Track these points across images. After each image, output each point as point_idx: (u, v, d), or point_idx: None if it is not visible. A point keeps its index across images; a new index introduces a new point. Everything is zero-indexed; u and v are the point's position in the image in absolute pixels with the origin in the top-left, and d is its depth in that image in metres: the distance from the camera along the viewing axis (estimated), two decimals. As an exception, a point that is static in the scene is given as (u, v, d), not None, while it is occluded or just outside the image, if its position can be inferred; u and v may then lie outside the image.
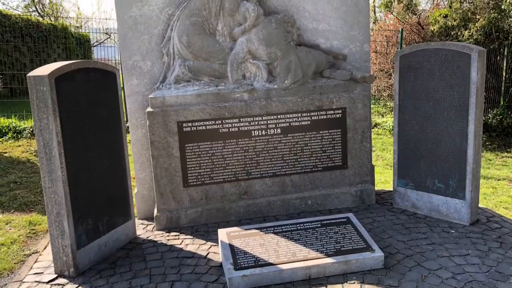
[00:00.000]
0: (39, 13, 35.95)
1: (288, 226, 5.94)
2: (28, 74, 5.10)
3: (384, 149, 13.01)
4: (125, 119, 6.51)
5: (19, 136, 13.26)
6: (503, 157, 12.35)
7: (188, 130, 6.47)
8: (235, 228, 5.94)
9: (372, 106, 16.19)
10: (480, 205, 6.95)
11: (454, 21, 16.38)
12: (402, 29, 17.47)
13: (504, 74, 15.19)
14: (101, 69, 5.68)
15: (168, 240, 6.27)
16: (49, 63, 5.96)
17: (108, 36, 25.49)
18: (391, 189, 7.62)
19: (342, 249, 5.37)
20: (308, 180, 7.00)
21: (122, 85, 6.58)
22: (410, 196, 6.87)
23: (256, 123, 6.65)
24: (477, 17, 15.85)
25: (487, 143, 13.56)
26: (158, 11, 6.79)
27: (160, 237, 6.38)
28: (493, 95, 15.45)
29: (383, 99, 19.11)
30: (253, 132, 6.67)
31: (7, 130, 13.54)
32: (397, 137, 6.84)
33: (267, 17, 6.81)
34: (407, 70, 6.60)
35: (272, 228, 5.90)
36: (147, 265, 5.58)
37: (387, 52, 19.63)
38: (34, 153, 11.70)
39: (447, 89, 6.25)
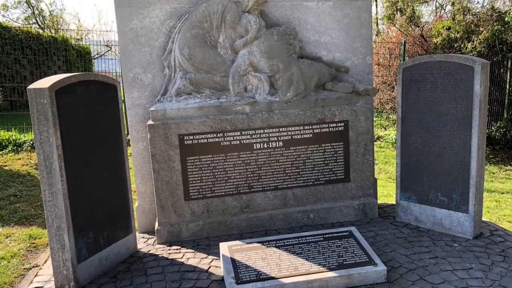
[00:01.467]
0: (39, 25, 36.05)
1: (290, 240, 5.91)
2: (28, 87, 5.07)
3: (386, 162, 12.98)
4: (126, 132, 6.49)
5: (19, 149, 13.24)
6: (506, 170, 12.32)
7: (189, 143, 6.44)
8: (237, 242, 5.90)
9: (374, 119, 16.17)
10: (483, 219, 6.92)
11: (457, 33, 16.39)
12: (405, 41, 17.49)
13: (507, 86, 15.17)
14: (101, 81, 5.65)
15: (169, 254, 6.23)
16: (49, 75, 5.94)
17: (109, 49, 25.54)
18: (394, 202, 7.59)
19: (344, 263, 5.34)
20: (310, 194, 6.96)
21: (123, 98, 6.56)
22: (413, 209, 6.83)
23: (258, 136, 6.62)
24: (481, 29, 15.86)
25: (491, 156, 13.53)
26: (159, 23, 6.78)
27: (161, 250, 6.35)
28: (497, 107, 15.43)
29: (386, 112, 19.09)
30: (255, 145, 6.64)
31: (7, 143, 13.52)
32: (400, 150, 6.81)
33: (269, 29, 6.79)
34: (410, 83, 6.58)
35: (274, 242, 5.86)
36: (148, 279, 5.54)
37: (390, 64, 19.63)
38: (34, 166, 11.68)
39: (450, 102, 6.23)
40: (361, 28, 7.35)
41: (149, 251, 6.36)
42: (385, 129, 17.02)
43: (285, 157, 6.77)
